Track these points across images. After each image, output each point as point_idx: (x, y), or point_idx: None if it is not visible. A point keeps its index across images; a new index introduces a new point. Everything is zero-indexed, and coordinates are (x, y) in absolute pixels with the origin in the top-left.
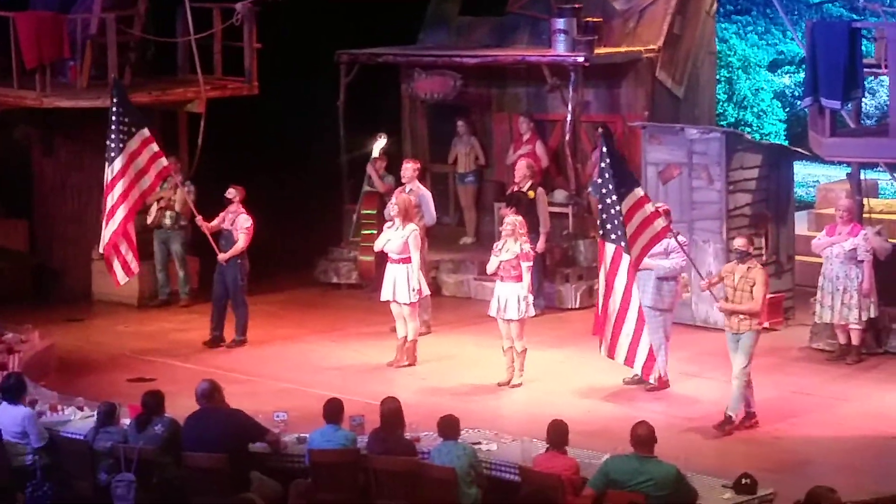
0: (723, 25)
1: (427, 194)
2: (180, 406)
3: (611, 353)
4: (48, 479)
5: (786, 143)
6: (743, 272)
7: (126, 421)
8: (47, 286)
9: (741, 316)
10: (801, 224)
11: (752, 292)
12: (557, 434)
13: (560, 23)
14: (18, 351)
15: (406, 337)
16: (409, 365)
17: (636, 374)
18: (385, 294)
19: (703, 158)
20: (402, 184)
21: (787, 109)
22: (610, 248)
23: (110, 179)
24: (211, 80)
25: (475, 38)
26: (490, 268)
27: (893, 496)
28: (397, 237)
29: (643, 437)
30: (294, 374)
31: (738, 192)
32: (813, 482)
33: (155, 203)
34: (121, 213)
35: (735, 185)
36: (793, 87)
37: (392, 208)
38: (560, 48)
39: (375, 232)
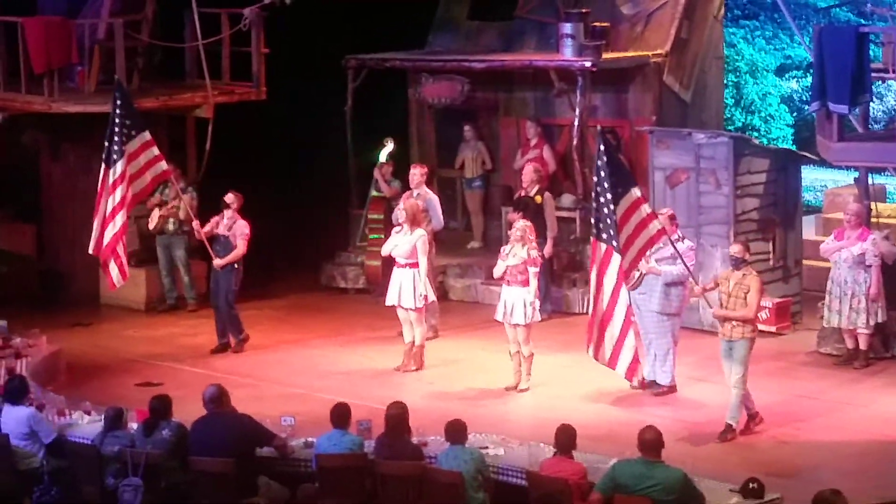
0: (730, 30)
1: (434, 199)
2: (188, 410)
3: (596, 355)
4: (55, 484)
5: (793, 148)
6: (738, 279)
7: (133, 425)
8: (55, 290)
9: (734, 323)
10: (808, 229)
11: (746, 299)
12: (565, 438)
13: (568, 27)
14: (26, 355)
15: (413, 342)
16: (417, 369)
17: (644, 379)
18: (390, 299)
19: (710, 163)
20: (409, 188)
21: (794, 114)
22: (601, 248)
23: (111, 182)
24: (219, 85)
25: (483, 42)
26: (497, 272)
27: None
28: (405, 242)
29: (650, 441)
30: (301, 379)
31: (746, 196)
32: (820, 487)
33: (157, 209)
34: (121, 218)
35: (743, 190)
36: (800, 91)
37: (400, 213)
38: (568, 53)
39: (382, 237)
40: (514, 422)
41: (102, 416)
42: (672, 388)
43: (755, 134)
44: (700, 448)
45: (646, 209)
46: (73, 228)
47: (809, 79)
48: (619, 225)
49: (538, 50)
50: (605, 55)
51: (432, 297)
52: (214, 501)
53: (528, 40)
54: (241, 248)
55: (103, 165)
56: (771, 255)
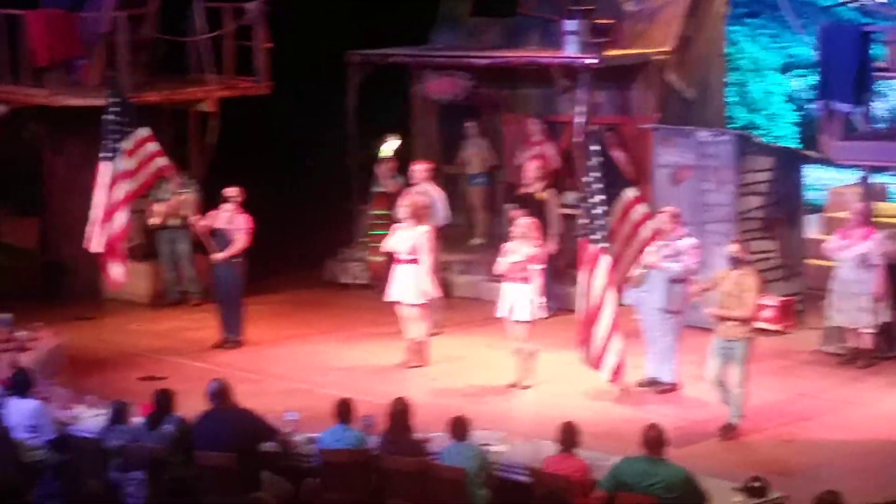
0: (734, 28)
1: (439, 194)
2: (191, 405)
3: (585, 354)
4: (59, 478)
5: (797, 147)
6: (735, 278)
7: (137, 419)
8: (58, 284)
9: (732, 322)
10: (811, 227)
11: (743, 298)
12: (568, 436)
13: (571, 24)
14: (29, 349)
15: (415, 338)
16: (420, 366)
17: (647, 377)
18: (391, 295)
19: (713, 161)
20: (410, 185)
21: (798, 112)
22: (591, 249)
23: (111, 178)
24: (222, 79)
25: (486, 39)
26: (499, 269)
27: None
28: (408, 238)
29: (654, 439)
30: (304, 374)
31: (749, 194)
32: (823, 486)
33: (156, 204)
34: (124, 216)
35: (746, 188)
36: (804, 90)
37: (403, 210)
38: (571, 50)
39: (385, 232)
40: (518, 418)
41: (106, 410)
42: (675, 386)
43: (758, 132)
44: (703, 446)
45: (641, 209)
46: (75, 222)
47: (813, 77)
48: (616, 225)
49: (541, 47)
50: (609, 52)
51: (435, 293)
52: (218, 496)
53: (532, 37)
54: (241, 241)
55: (100, 159)
56: (774, 254)
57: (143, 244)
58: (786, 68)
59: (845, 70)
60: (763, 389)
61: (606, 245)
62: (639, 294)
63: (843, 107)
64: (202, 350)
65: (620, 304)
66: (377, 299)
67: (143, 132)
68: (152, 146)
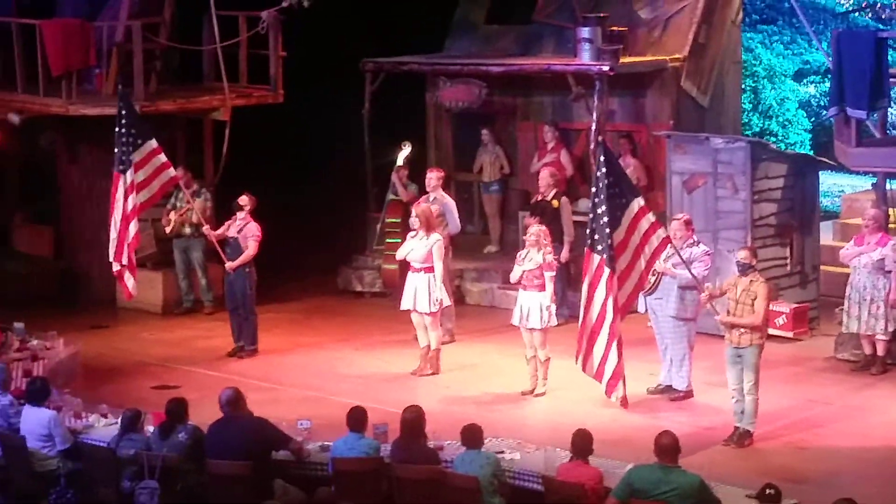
0: (748, 35)
1: (451, 203)
2: (204, 414)
3: (584, 366)
4: (72, 486)
5: (811, 153)
6: (745, 285)
7: (150, 428)
8: (72, 292)
9: (742, 330)
10: (826, 234)
11: (753, 306)
12: (581, 443)
13: (585, 32)
14: (43, 357)
15: (429, 346)
16: (433, 374)
17: (660, 384)
18: (405, 303)
19: (728, 168)
20: (425, 192)
21: (812, 119)
22: (595, 259)
23: (123, 191)
24: (236, 87)
25: (501, 46)
26: (513, 277)
27: None
28: (420, 246)
29: (667, 446)
30: (317, 382)
31: (763, 201)
32: (837, 493)
33: (173, 212)
34: (133, 227)
35: (760, 195)
36: (818, 96)
37: (414, 219)
38: (585, 57)
39: (399, 240)
40: (531, 426)
41: (119, 419)
42: (688, 394)
43: (773, 139)
44: (717, 453)
45: (650, 218)
46: (90, 230)
47: (827, 84)
48: (627, 234)
49: (556, 54)
50: (623, 59)
51: (448, 301)
52: None
53: (546, 44)
54: (252, 250)
55: (115, 171)
56: (788, 261)
57: (156, 253)
58: (800, 75)
59: (860, 76)
60: (777, 396)
61: (608, 255)
62: (652, 301)
63: (858, 113)
64: (215, 359)
65: (634, 312)
66: (391, 307)
67: (152, 144)
68: (161, 158)
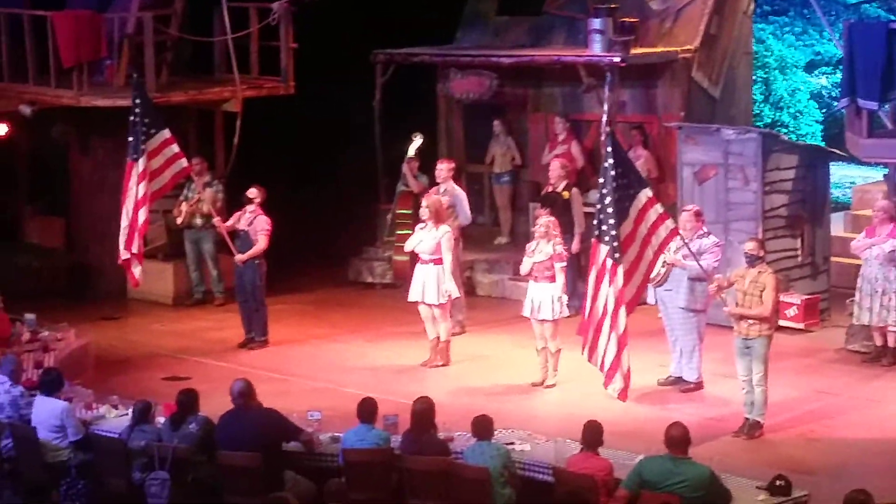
0: (760, 26)
1: (461, 194)
2: (214, 405)
3: (590, 357)
4: (83, 477)
5: (822, 144)
6: (753, 276)
7: (161, 419)
8: (83, 284)
9: (751, 321)
10: (837, 225)
11: (761, 297)
12: (592, 435)
13: (596, 23)
14: (54, 349)
15: (438, 337)
16: (443, 365)
17: (670, 375)
18: (413, 295)
19: (739, 159)
20: (436, 183)
21: (823, 110)
22: (602, 250)
23: (135, 179)
24: (247, 79)
25: (511, 38)
26: (523, 269)
27: None
28: (429, 238)
29: (677, 438)
30: (328, 374)
31: (774, 193)
32: (848, 484)
33: (185, 203)
34: (142, 215)
35: (771, 186)
36: (829, 87)
37: (424, 211)
38: (596, 48)
39: (410, 232)
40: (541, 418)
41: (130, 410)
42: (699, 385)
43: (784, 130)
44: (727, 445)
45: (658, 209)
46: (101, 222)
47: (839, 75)
48: (635, 226)
49: (567, 45)
50: (634, 51)
51: (457, 293)
52: (241, 496)
53: (557, 36)
54: (262, 243)
55: (128, 160)
56: (799, 252)
57: (167, 244)
58: (811, 66)
59: (871, 67)
60: (787, 388)
61: (614, 246)
62: (662, 293)
63: (869, 104)
64: (226, 350)
65: (644, 304)
66: (401, 299)
67: (165, 134)
68: (174, 148)
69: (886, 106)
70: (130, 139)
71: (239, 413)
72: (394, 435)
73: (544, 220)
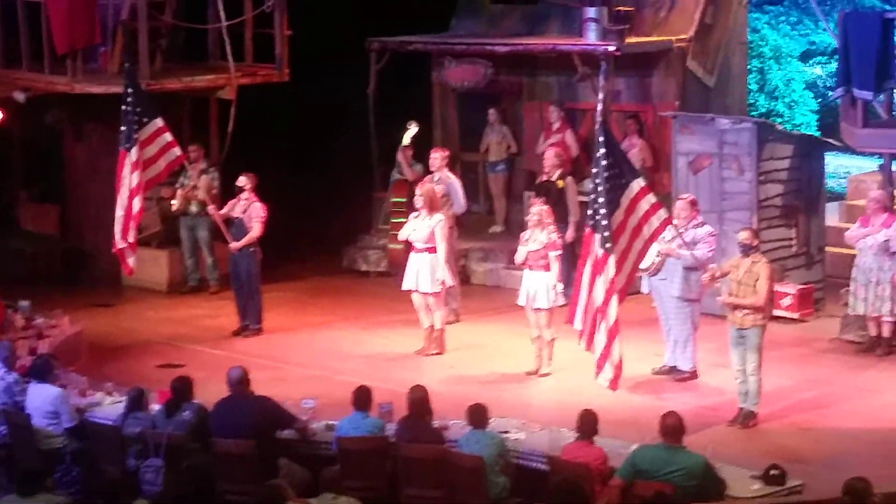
0: (755, 15)
1: (456, 182)
2: (209, 392)
3: (588, 347)
4: (77, 464)
5: (817, 134)
6: (747, 266)
7: (155, 406)
8: (78, 271)
9: (744, 311)
10: (832, 215)
11: (755, 287)
12: (586, 423)
13: (591, 11)
14: (48, 335)
15: (432, 326)
16: (438, 353)
17: (665, 365)
18: (407, 283)
19: (734, 149)
20: (430, 172)
21: (818, 100)
22: (597, 240)
23: (128, 168)
24: (242, 66)
25: (506, 26)
26: (518, 258)
27: None
28: (423, 226)
29: (672, 427)
30: (322, 362)
31: (769, 182)
32: (842, 474)
33: (180, 190)
34: (137, 204)
35: (766, 176)
36: (825, 77)
37: (418, 199)
38: (591, 37)
39: (405, 220)
40: (536, 406)
41: (124, 397)
42: (693, 374)
43: (779, 120)
44: (721, 434)
45: (651, 199)
46: (96, 208)
47: (834, 65)
48: (626, 215)
49: (562, 34)
50: (629, 40)
51: (451, 281)
52: (235, 483)
53: (552, 24)
54: (256, 230)
55: (120, 149)
56: (794, 242)
57: (162, 231)
58: (807, 55)
59: (866, 57)
60: (781, 377)
61: (605, 235)
62: (656, 282)
63: (864, 94)
64: (220, 337)
65: (638, 293)
66: (396, 287)
67: (158, 123)
68: (167, 137)
69: (881, 96)
70: (123, 128)
71: (234, 401)
72: (388, 423)
73: (537, 209)
